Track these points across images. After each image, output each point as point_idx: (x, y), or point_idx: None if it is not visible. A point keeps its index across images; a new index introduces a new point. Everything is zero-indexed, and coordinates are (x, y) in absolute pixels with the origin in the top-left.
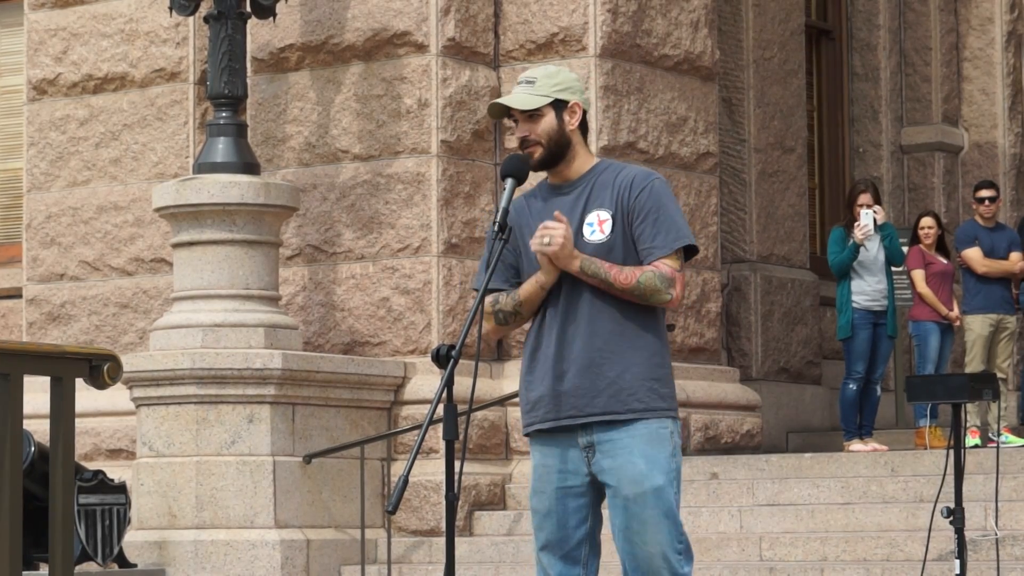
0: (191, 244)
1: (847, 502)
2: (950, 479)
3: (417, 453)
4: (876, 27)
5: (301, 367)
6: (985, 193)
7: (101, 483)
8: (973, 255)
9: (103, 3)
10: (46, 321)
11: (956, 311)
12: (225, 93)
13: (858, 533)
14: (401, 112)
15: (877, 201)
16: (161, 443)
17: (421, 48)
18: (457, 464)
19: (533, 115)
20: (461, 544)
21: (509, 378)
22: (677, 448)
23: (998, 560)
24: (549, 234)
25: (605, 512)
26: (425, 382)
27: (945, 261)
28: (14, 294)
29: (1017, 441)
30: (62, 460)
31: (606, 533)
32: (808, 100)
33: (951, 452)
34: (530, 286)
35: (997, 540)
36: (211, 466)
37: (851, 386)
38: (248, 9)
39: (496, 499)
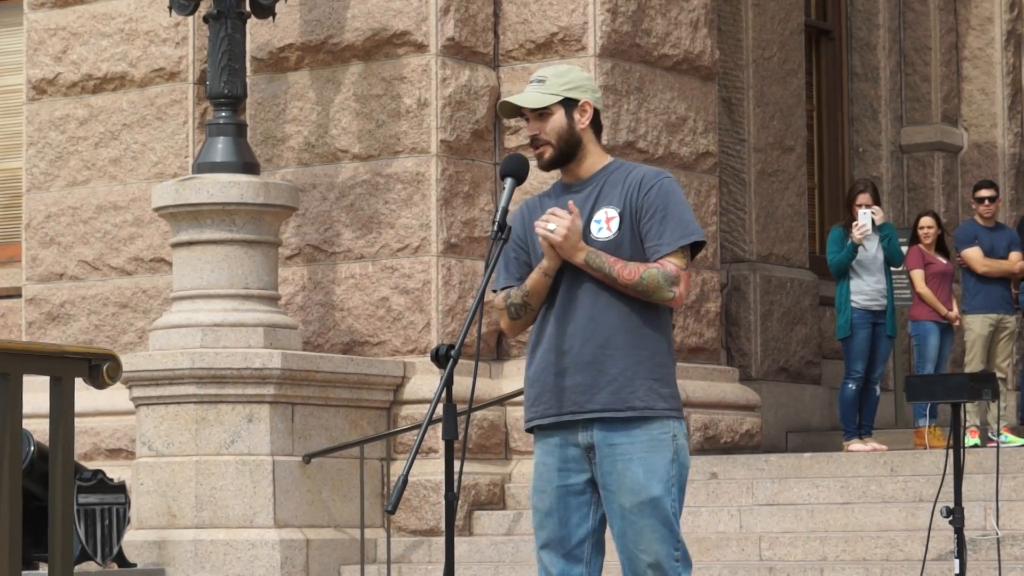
0: (190, 244)
1: (847, 502)
2: (949, 479)
3: (416, 453)
4: (876, 27)
5: (300, 367)
6: (985, 193)
7: (101, 483)
8: (973, 255)
9: (103, 3)
10: (45, 321)
11: (955, 311)
12: (224, 93)
13: (858, 533)
14: (401, 112)
15: (876, 201)
16: (160, 443)
17: (421, 48)
18: (457, 464)
19: (543, 113)
20: (460, 544)
21: (508, 378)
22: (681, 450)
23: (1000, 560)
24: (555, 221)
25: None
26: (424, 382)
27: (944, 261)
28: (13, 294)
29: (1017, 441)
30: (62, 460)
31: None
32: (808, 100)
33: (950, 452)
34: (535, 274)
35: (999, 540)
36: (210, 466)
37: (850, 386)
38: (248, 9)
39: (495, 499)
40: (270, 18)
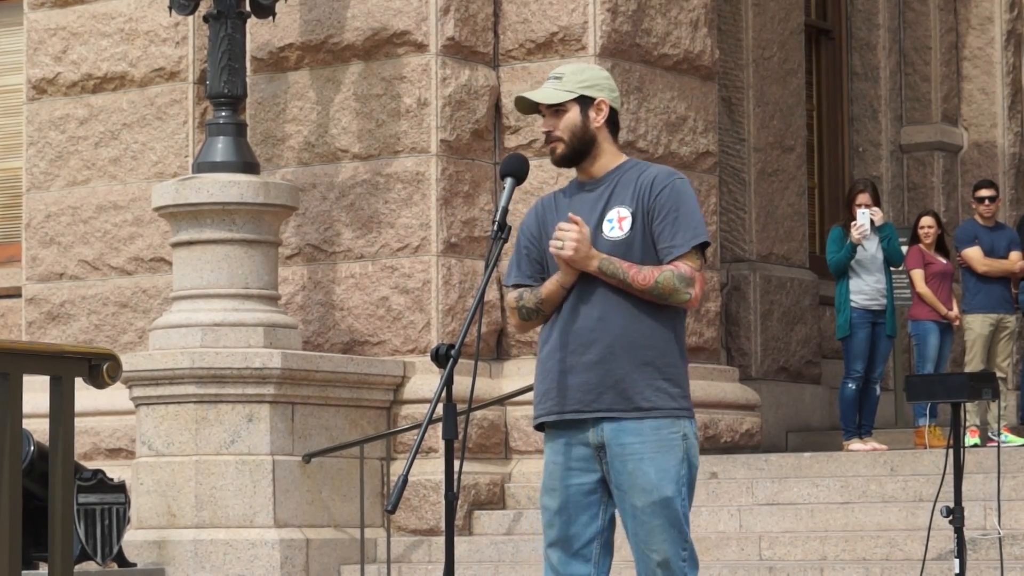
0: (190, 243)
1: (846, 501)
2: (949, 478)
3: (416, 452)
4: (876, 26)
5: (300, 366)
6: (984, 192)
7: (100, 482)
8: (973, 254)
9: (103, 2)
10: (45, 320)
11: (955, 311)
12: (224, 92)
13: (857, 532)
14: (400, 111)
15: (876, 201)
16: (160, 442)
17: (421, 47)
18: (456, 463)
19: (557, 110)
20: (460, 543)
21: (508, 377)
22: (691, 450)
23: (1001, 559)
24: (562, 237)
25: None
26: (424, 381)
27: (944, 261)
28: (13, 293)
29: (1017, 441)
30: (62, 459)
31: (620, 535)
32: (808, 99)
33: (950, 451)
34: (551, 285)
35: (1000, 539)
36: (210, 465)
37: (850, 385)
38: (248, 8)
39: (495, 498)
40: (270, 18)
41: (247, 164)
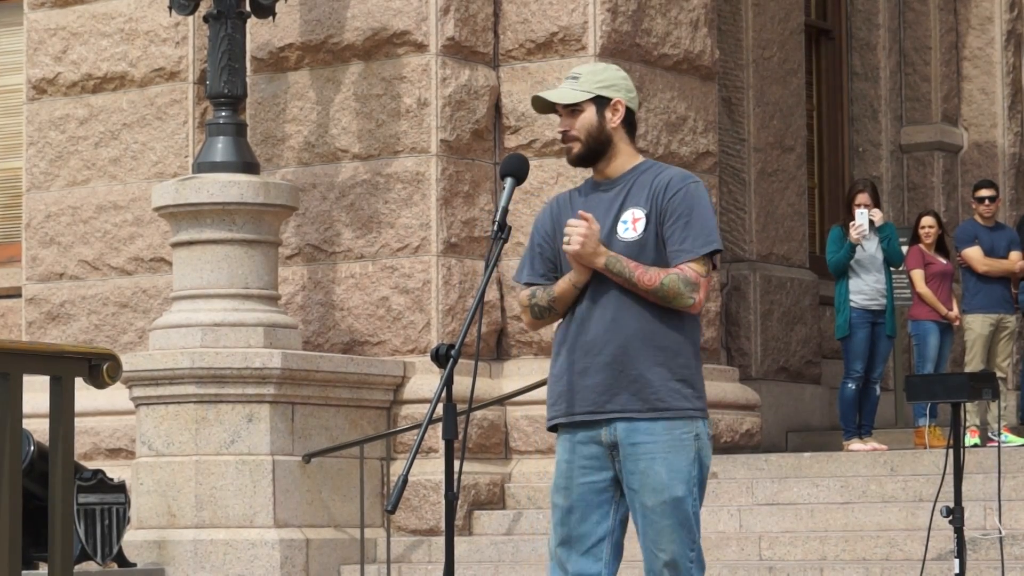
0: (190, 243)
1: (846, 501)
2: (949, 478)
3: (416, 452)
4: (876, 26)
5: (300, 366)
6: (984, 193)
7: (100, 482)
8: (973, 254)
9: (103, 2)
10: (45, 320)
11: (955, 311)
12: (224, 92)
13: (857, 532)
14: (400, 111)
15: (876, 201)
16: (160, 442)
17: (421, 47)
18: (456, 463)
19: (574, 110)
20: (460, 543)
21: (508, 377)
22: (703, 449)
23: (1002, 559)
24: (570, 232)
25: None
26: (424, 381)
27: (944, 261)
28: (13, 293)
29: (1017, 441)
30: (62, 459)
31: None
32: (808, 99)
33: (950, 451)
34: (564, 283)
35: (1001, 539)
36: (210, 465)
37: (850, 385)
38: (248, 8)
39: (495, 498)
40: (270, 18)
41: (247, 164)
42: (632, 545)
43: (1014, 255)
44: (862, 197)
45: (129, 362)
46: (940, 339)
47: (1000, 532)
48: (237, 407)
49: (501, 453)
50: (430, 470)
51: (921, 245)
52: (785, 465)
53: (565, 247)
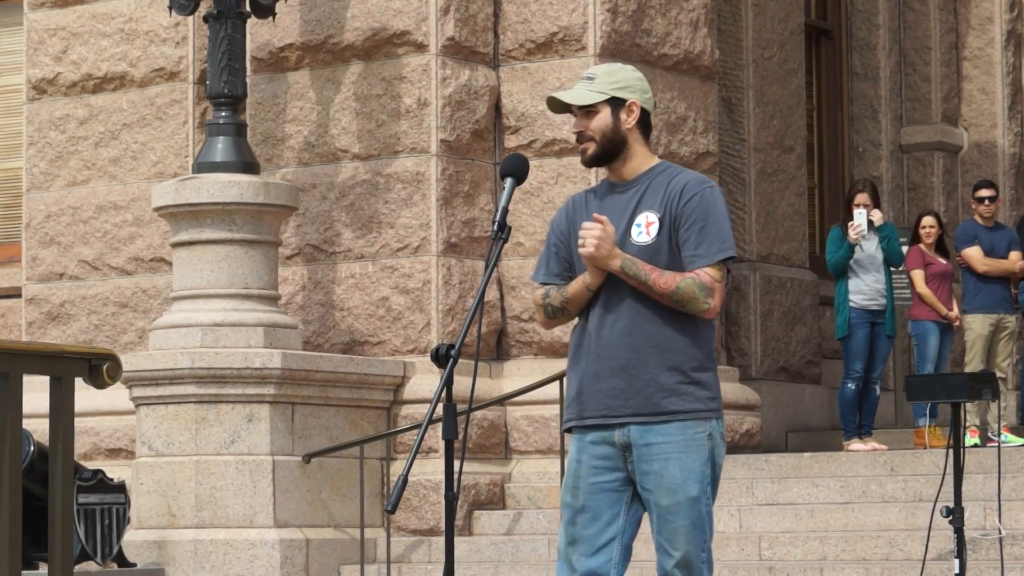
0: (190, 243)
1: (846, 502)
2: (950, 479)
3: (416, 452)
4: (876, 27)
5: (300, 366)
6: (984, 193)
7: (100, 482)
8: (973, 254)
9: (103, 3)
10: (45, 320)
11: (956, 311)
12: (224, 92)
13: (858, 533)
14: (400, 112)
15: (876, 201)
16: (160, 442)
17: (420, 48)
18: (456, 463)
19: (589, 111)
20: (460, 544)
21: (508, 378)
22: (716, 449)
23: (1002, 559)
24: (585, 235)
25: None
26: (424, 381)
27: (944, 261)
28: (13, 294)
29: (1017, 441)
30: (62, 460)
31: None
32: (808, 100)
33: (950, 452)
34: (577, 285)
35: (1000, 539)
36: (210, 466)
37: (850, 385)
38: (248, 9)
39: (495, 499)
40: (270, 18)
41: (247, 164)
42: (637, 547)
43: (1014, 255)
44: (862, 197)
45: (129, 362)
46: (940, 339)
47: (1000, 532)
48: (237, 407)
49: (501, 453)
50: (430, 470)
51: (921, 245)
52: (785, 465)
53: (580, 250)
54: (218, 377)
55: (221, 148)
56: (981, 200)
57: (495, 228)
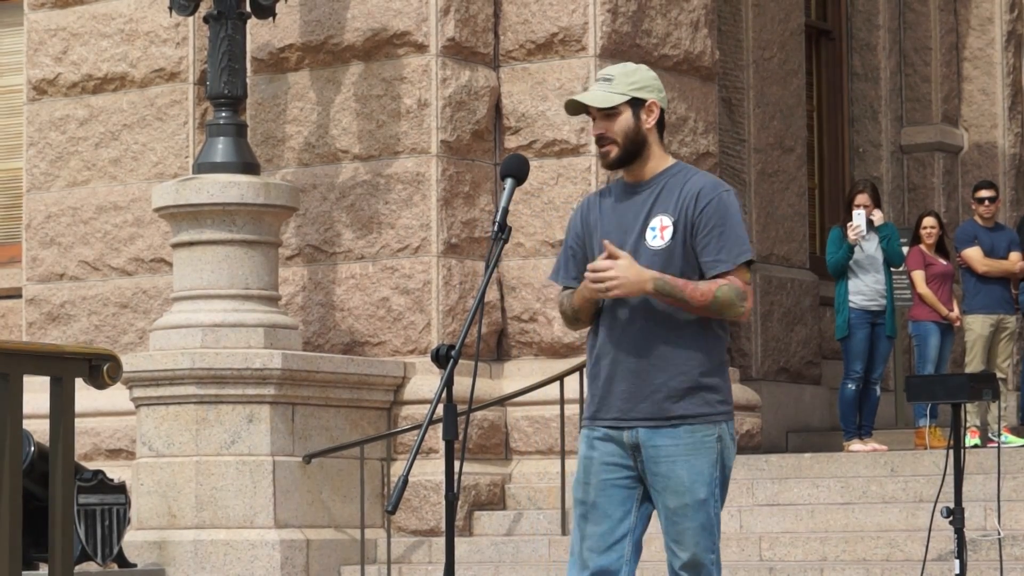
0: (191, 244)
1: (847, 502)
2: (950, 479)
3: (417, 453)
4: (876, 27)
5: (301, 367)
6: (984, 193)
7: (101, 483)
8: (973, 255)
9: (103, 3)
10: (46, 321)
11: (956, 311)
12: (225, 93)
13: (858, 533)
14: (401, 112)
15: (877, 202)
16: (161, 443)
17: (421, 48)
18: (457, 464)
19: (609, 113)
20: (461, 544)
21: (509, 378)
22: (725, 451)
23: (1001, 560)
24: (600, 277)
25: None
26: (425, 382)
27: (945, 262)
28: (14, 294)
29: (1017, 441)
30: (62, 460)
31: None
32: (808, 100)
33: (951, 452)
34: (578, 299)
35: (1000, 540)
36: (211, 466)
37: (850, 386)
38: (248, 9)
39: (496, 499)
40: (270, 18)
41: (247, 165)
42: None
43: (1014, 256)
44: (862, 198)
45: (129, 363)
46: (941, 340)
47: (999, 533)
48: (237, 408)
49: (501, 454)
50: (430, 471)
51: (922, 246)
52: (785, 466)
53: (608, 294)
54: (218, 378)
55: (221, 148)
56: (981, 201)
57: (495, 229)
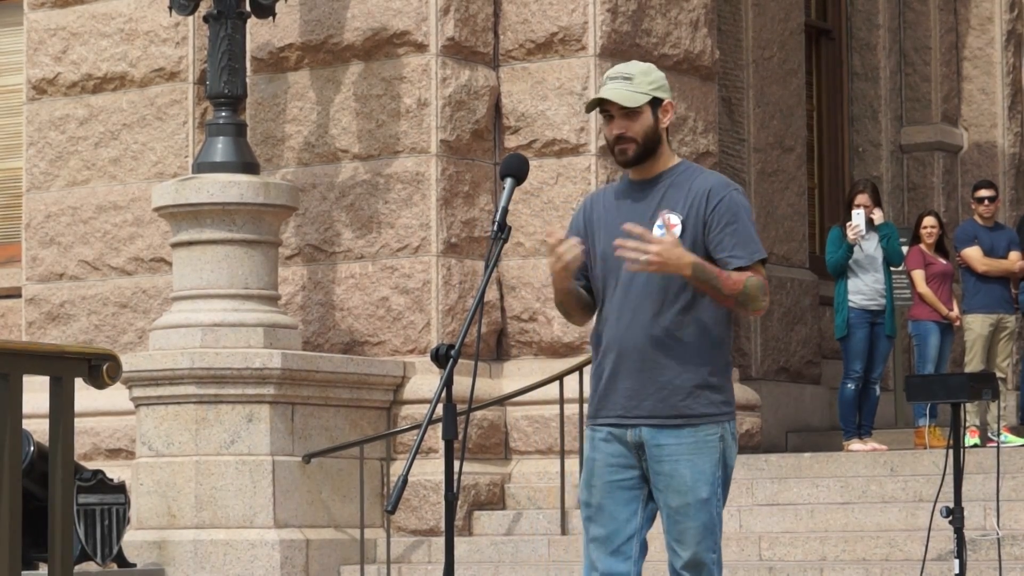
0: (190, 244)
1: (846, 502)
2: (949, 479)
3: (416, 453)
4: (876, 27)
5: (300, 367)
6: (984, 193)
7: (100, 483)
8: (973, 254)
9: (103, 3)
10: (45, 321)
11: (956, 311)
12: (224, 93)
13: (857, 533)
14: (400, 112)
15: (877, 202)
16: (160, 443)
17: (420, 48)
18: (456, 464)
19: (631, 112)
20: (460, 544)
21: (508, 378)
22: (728, 451)
23: (1000, 560)
24: (645, 247)
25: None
26: (424, 382)
27: (945, 262)
28: (13, 294)
29: (1017, 441)
30: (61, 460)
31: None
32: (808, 100)
33: (950, 452)
34: (555, 287)
35: (1000, 540)
36: (210, 466)
37: (849, 386)
38: (248, 9)
39: (495, 499)
40: (270, 18)
41: (247, 164)
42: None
43: (1013, 255)
44: (862, 198)
45: (129, 362)
46: (940, 339)
47: (998, 533)
48: (237, 407)
49: (501, 453)
50: (430, 470)
51: (922, 245)
52: (785, 465)
53: (641, 265)
54: (218, 377)
55: (221, 148)
56: (981, 200)
57: (495, 228)
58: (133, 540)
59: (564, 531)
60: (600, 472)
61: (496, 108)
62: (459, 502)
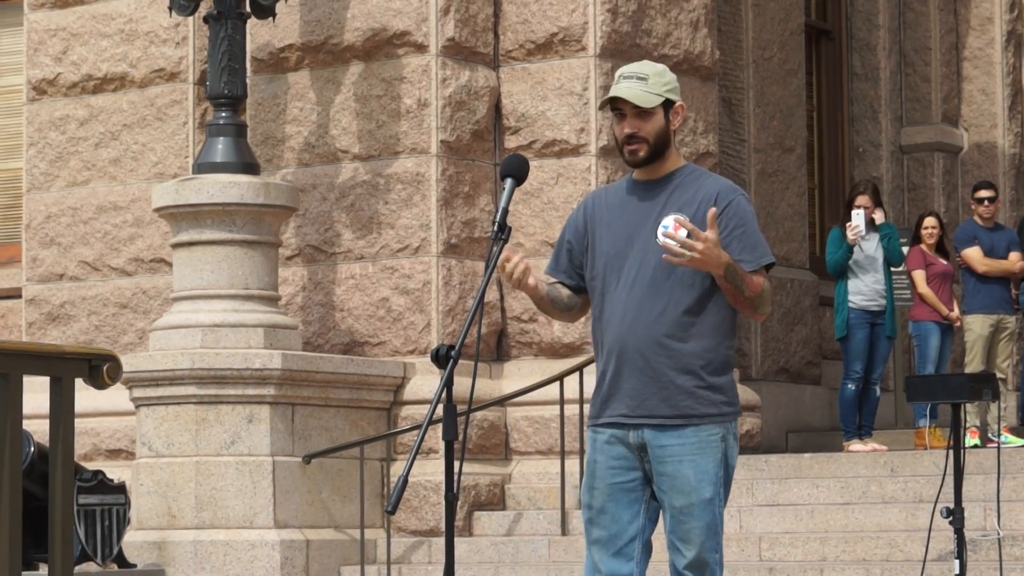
0: (191, 244)
1: (847, 502)
2: (950, 479)
3: (416, 453)
4: (876, 27)
5: (301, 367)
6: (984, 193)
7: (101, 483)
8: (973, 254)
9: (103, 3)
10: (46, 321)
11: (956, 311)
12: (225, 93)
13: (858, 533)
14: (401, 112)
15: (878, 202)
16: (161, 443)
17: (421, 48)
18: (456, 464)
19: (644, 112)
20: (460, 544)
21: (508, 378)
22: (730, 451)
23: (1000, 560)
24: (691, 244)
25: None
26: (424, 382)
27: (945, 262)
28: (14, 294)
29: (1017, 441)
30: (62, 460)
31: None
32: (808, 100)
33: (951, 452)
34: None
35: (1000, 540)
36: (210, 466)
37: (849, 386)
38: (248, 9)
39: (495, 499)
40: (270, 18)
41: (247, 165)
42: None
43: (1014, 256)
44: (861, 199)
45: (129, 363)
46: (941, 340)
47: (999, 533)
48: (237, 408)
49: (501, 454)
50: (430, 471)
51: (922, 246)
52: (785, 466)
53: (682, 260)
54: (218, 378)
55: (221, 149)
56: (981, 201)
57: (495, 229)
58: (133, 540)
59: (564, 532)
60: (602, 475)
61: (496, 108)
62: (459, 503)
